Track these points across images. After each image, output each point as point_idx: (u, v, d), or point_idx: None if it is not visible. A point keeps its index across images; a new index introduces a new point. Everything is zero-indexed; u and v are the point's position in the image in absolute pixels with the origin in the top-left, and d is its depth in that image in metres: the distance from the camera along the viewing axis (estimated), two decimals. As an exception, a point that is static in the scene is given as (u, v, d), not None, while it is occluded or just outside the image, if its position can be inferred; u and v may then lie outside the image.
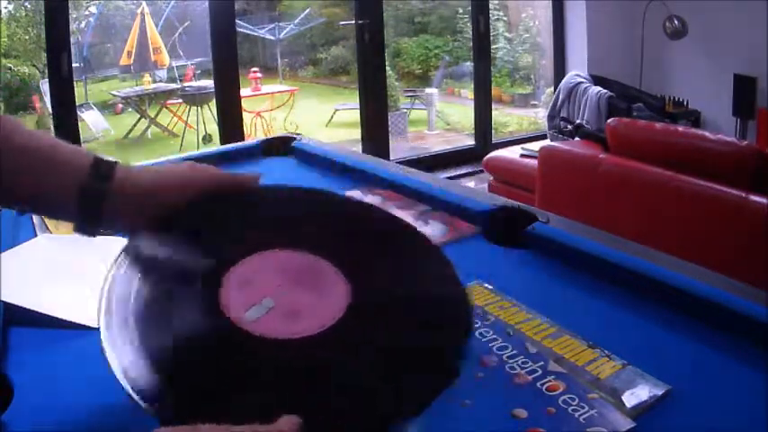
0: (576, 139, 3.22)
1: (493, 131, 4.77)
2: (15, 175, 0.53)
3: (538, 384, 0.58)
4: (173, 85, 6.08)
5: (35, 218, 0.99)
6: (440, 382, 0.43)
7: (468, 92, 5.38)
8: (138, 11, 5.77)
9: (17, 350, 0.68)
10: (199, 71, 6.11)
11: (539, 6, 5.57)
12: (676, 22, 4.05)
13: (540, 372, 0.59)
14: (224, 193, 0.57)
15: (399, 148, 5.30)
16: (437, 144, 5.91)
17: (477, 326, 0.69)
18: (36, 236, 0.97)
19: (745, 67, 3.98)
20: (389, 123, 4.41)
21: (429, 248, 0.57)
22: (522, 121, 6.12)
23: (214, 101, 3.92)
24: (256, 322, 0.43)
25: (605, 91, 4.07)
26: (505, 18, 6.37)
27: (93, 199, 0.54)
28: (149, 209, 0.54)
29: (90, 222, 0.55)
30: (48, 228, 0.96)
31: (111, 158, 0.57)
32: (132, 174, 0.57)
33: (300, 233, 0.54)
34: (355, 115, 4.47)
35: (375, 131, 4.16)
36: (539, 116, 5.66)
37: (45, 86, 4.13)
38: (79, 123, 3.32)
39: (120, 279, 0.48)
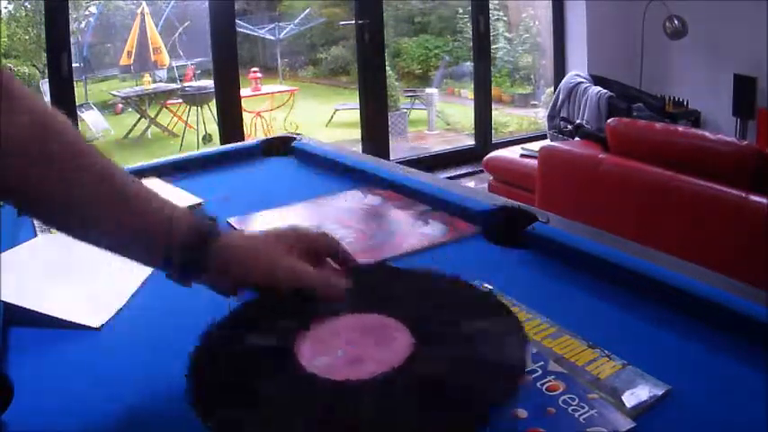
0: (576, 139, 3.22)
1: (493, 131, 4.77)
2: (107, 221, 0.57)
3: (538, 384, 0.57)
4: (173, 85, 6.08)
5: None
6: (469, 428, 0.49)
7: (468, 92, 5.38)
8: (138, 11, 5.77)
9: (17, 350, 0.68)
10: (199, 71, 6.11)
11: (539, 6, 5.58)
12: (676, 22, 4.05)
13: (539, 372, 0.59)
14: (305, 295, 0.60)
15: (399, 148, 5.31)
16: (437, 144, 5.92)
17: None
18: (36, 236, 0.97)
19: (745, 67, 3.98)
20: (389, 123, 4.41)
21: (497, 310, 0.60)
22: (522, 121, 6.12)
23: (214, 101, 3.92)
24: (322, 367, 0.52)
25: (605, 91, 4.07)
26: (505, 18, 6.38)
27: (192, 262, 0.58)
28: (237, 278, 0.60)
29: (184, 279, 0.60)
30: (48, 228, 0.96)
31: (208, 218, 0.62)
32: (231, 242, 0.61)
33: (377, 298, 0.62)
34: (355, 115, 4.47)
35: (375, 131, 4.16)
36: (539, 116, 5.66)
37: (45, 86, 4.12)
38: (79, 123, 3.32)
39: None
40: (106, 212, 0.57)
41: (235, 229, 0.98)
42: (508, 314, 0.60)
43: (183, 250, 0.58)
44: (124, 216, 0.57)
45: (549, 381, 0.58)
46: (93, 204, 0.56)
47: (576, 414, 0.54)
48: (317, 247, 0.64)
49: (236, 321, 0.60)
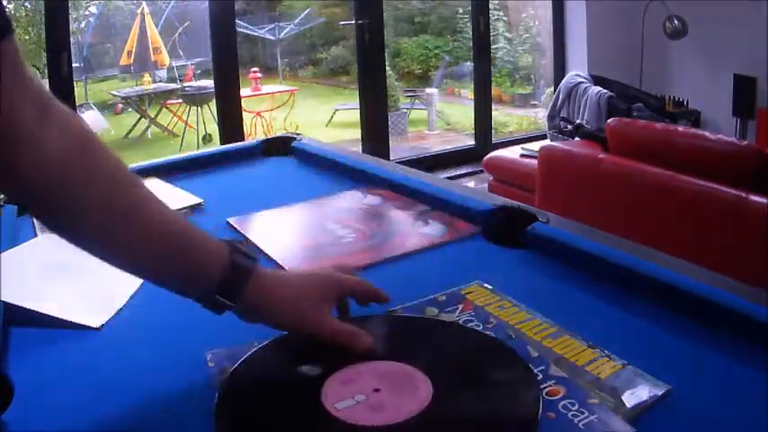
0: (576, 139, 3.21)
1: (493, 131, 4.77)
2: (144, 260, 0.58)
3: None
4: (173, 85, 6.08)
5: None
6: None
7: (468, 92, 5.38)
8: (138, 11, 5.77)
9: (17, 350, 0.68)
10: (199, 71, 6.11)
11: (539, 6, 5.57)
12: (676, 22, 4.04)
13: (540, 376, 0.59)
14: (328, 344, 0.62)
15: (399, 148, 5.31)
16: (437, 144, 5.91)
17: (479, 328, 0.69)
18: (36, 236, 0.97)
19: (745, 67, 3.98)
20: (389, 123, 4.41)
21: (518, 368, 0.60)
22: (522, 121, 6.12)
23: (214, 101, 3.92)
24: (344, 411, 0.54)
25: (605, 91, 4.07)
26: (505, 18, 6.37)
27: (227, 296, 0.59)
28: (266, 319, 0.62)
29: (216, 309, 0.61)
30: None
31: (247, 255, 0.61)
32: (267, 283, 0.62)
33: (401, 348, 0.64)
34: (355, 115, 4.47)
35: (375, 131, 4.16)
36: (539, 116, 5.66)
37: (45, 86, 4.13)
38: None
39: None
40: (148, 246, 0.58)
41: (246, 240, 0.97)
42: (525, 368, 0.60)
43: (220, 285, 0.59)
44: (166, 253, 0.58)
45: (550, 385, 0.58)
46: (128, 230, 0.57)
47: (576, 420, 0.53)
48: (354, 294, 0.67)
49: (263, 361, 0.62)
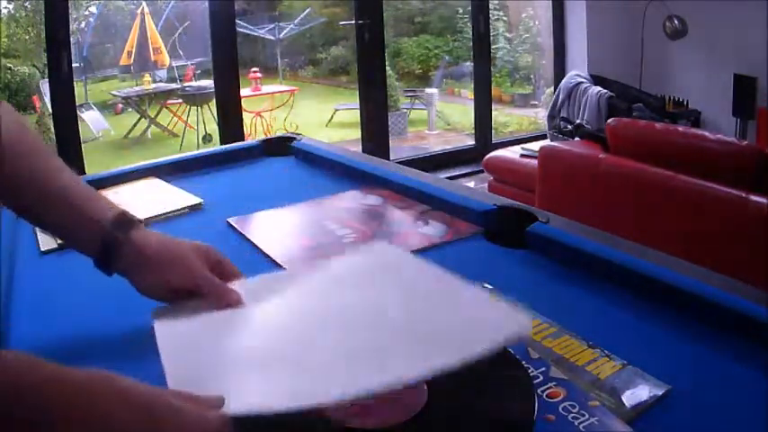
0: (576, 139, 3.22)
1: (493, 131, 4.77)
2: (51, 216, 0.69)
3: (539, 391, 0.57)
4: (173, 85, 6.08)
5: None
6: None
7: (468, 92, 5.38)
8: (138, 11, 5.77)
9: (17, 350, 0.68)
10: (199, 71, 6.11)
11: (539, 6, 5.57)
12: (676, 22, 4.04)
13: (541, 378, 0.59)
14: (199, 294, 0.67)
15: (399, 148, 5.30)
16: (437, 144, 5.91)
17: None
18: (35, 236, 0.97)
19: (745, 67, 3.98)
20: (389, 123, 4.41)
21: (514, 370, 0.60)
22: (522, 121, 6.12)
23: (214, 101, 3.92)
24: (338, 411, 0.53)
25: (605, 91, 4.07)
26: (505, 18, 6.37)
27: (110, 247, 0.67)
28: (155, 268, 0.68)
29: (104, 264, 0.68)
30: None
31: (132, 216, 0.70)
32: (151, 234, 0.70)
33: None
34: (355, 115, 4.46)
35: (375, 131, 4.16)
36: (539, 116, 5.66)
37: (45, 86, 4.13)
38: (79, 123, 3.32)
39: None
40: (55, 205, 0.68)
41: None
42: (522, 371, 0.60)
43: (111, 229, 0.67)
44: (70, 211, 0.68)
45: (551, 387, 0.58)
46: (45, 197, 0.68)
47: (577, 422, 0.53)
48: (221, 267, 0.71)
49: None
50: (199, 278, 0.67)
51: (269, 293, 0.68)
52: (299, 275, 0.71)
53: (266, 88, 6.03)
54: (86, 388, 0.45)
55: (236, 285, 0.69)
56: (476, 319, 0.56)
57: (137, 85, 6.11)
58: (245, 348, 0.59)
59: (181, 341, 0.61)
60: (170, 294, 0.68)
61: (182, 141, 5.69)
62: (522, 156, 3.38)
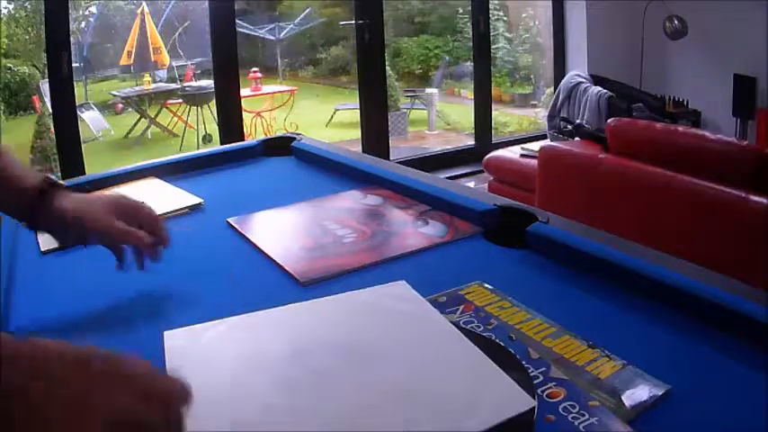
0: (576, 139, 3.22)
1: (493, 131, 4.77)
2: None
3: (539, 391, 0.57)
4: (173, 85, 6.08)
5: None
6: None
7: (468, 92, 5.37)
8: (138, 11, 5.76)
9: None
10: (199, 71, 6.11)
11: (539, 6, 5.57)
12: (676, 22, 4.04)
13: (541, 378, 0.59)
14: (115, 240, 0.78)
15: (399, 148, 5.30)
16: (437, 144, 5.91)
17: (479, 329, 0.69)
18: (36, 237, 0.97)
19: (745, 67, 3.98)
20: (389, 123, 4.40)
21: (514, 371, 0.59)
22: (522, 121, 6.12)
23: (214, 101, 3.92)
24: None
25: (605, 91, 4.07)
26: (505, 18, 6.37)
27: (35, 211, 0.77)
28: (71, 219, 0.77)
29: (32, 226, 0.79)
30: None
31: (53, 182, 0.79)
32: (70, 194, 0.79)
33: None
34: (355, 115, 4.46)
35: (375, 131, 4.15)
36: (539, 116, 5.66)
37: (45, 86, 4.13)
38: (79, 123, 3.32)
39: None
40: None
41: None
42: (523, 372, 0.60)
43: (34, 195, 0.76)
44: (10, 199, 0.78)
45: (551, 387, 0.58)
46: None
47: (577, 422, 0.53)
48: (135, 212, 0.80)
49: None
50: (106, 229, 0.77)
51: (283, 328, 0.67)
52: (313, 309, 0.70)
53: (266, 88, 6.03)
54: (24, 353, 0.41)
55: (258, 317, 0.68)
56: (477, 391, 0.54)
57: (137, 85, 6.10)
58: (245, 386, 0.56)
59: (190, 365, 0.60)
60: (92, 243, 0.79)
61: (182, 141, 5.68)
62: (522, 156, 3.38)
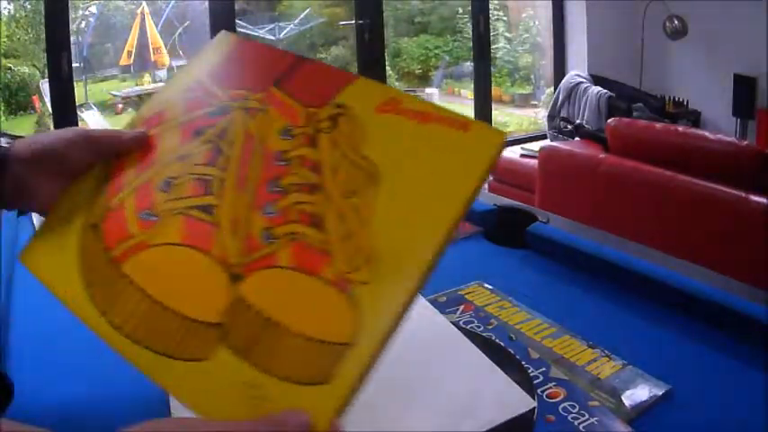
0: (576, 139, 3.22)
1: (493, 131, 4.77)
2: None
3: (539, 391, 0.57)
4: (173, 85, 6.07)
5: (35, 218, 0.98)
6: None
7: (468, 92, 5.37)
8: (138, 11, 5.76)
9: (17, 350, 0.68)
10: (199, 71, 6.10)
11: (539, 6, 5.57)
12: (676, 22, 4.04)
13: (541, 378, 0.59)
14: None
15: (399, 148, 5.29)
16: (437, 144, 5.90)
17: (480, 329, 0.69)
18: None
19: (745, 67, 3.98)
20: (389, 123, 4.40)
21: (514, 372, 0.59)
22: (522, 121, 6.12)
23: (214, 101, 3.92)
24: None
25: (605, 91, 4.07)
26: (505, 18, 6.37)
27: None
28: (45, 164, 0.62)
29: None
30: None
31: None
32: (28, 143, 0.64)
33: None
34: (355, 115, 4.46)
35: (375, 131, 4.15)
36: (539, 116, 5.66)
37: (45, 86, 4.12)
38: (79, 123, 3.32)
39: None
40: None
41: None
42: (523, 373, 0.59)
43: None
44: None
45: (550, 387, 0.58)
46: None
47: (576, 422, 0.53)
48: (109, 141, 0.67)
49: None
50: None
51: None
52: None
53: (266, 88, 6.02)
54: None
55: None
56: (477, 392, 0.54)
57: (137, 85, 6.10)
58: None
59: None
60: None
61: (182, 141, 5.68)
62: (522, 156, 3.38)
